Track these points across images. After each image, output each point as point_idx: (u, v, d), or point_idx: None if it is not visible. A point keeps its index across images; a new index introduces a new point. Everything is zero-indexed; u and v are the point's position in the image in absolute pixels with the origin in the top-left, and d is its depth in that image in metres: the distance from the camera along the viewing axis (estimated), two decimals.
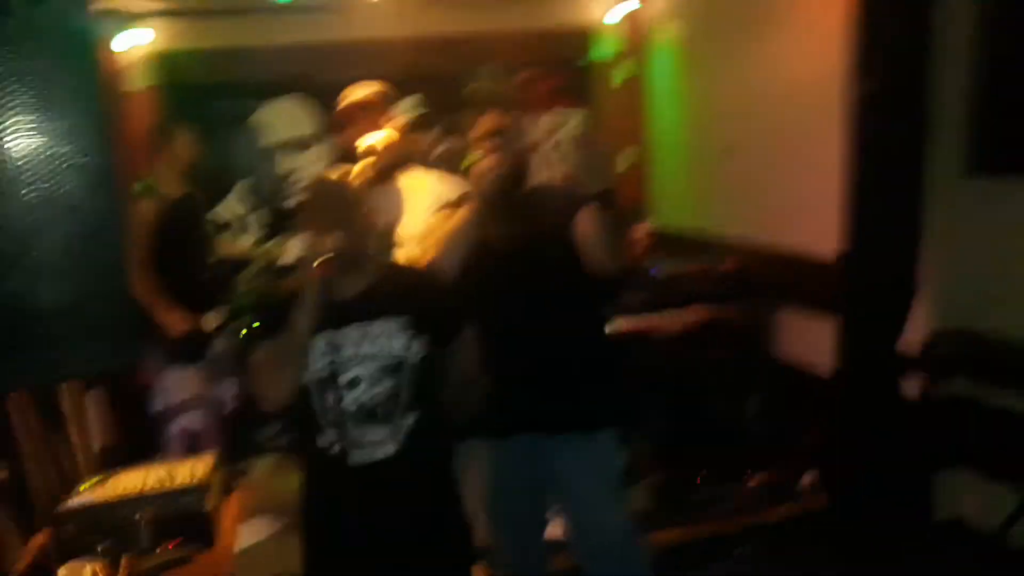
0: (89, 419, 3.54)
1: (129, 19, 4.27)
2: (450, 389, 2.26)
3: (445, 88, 5.01)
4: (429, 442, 2.12)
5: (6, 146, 1.05)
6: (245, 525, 3.48)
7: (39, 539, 2.40)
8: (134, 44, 4.37)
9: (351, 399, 2.00)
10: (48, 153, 1.07)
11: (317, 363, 1.98)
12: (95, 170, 1.09)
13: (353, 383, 2.01)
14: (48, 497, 2.53)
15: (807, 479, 3.40)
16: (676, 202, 5.08)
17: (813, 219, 3.53)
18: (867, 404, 3.18)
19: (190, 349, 3.77)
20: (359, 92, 2.89)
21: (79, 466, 2.91)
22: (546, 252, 2.34)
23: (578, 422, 2.41)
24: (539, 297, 2.36)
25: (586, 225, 2.22)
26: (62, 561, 2.23)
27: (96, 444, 3.69)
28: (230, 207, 4.73)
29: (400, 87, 4.73)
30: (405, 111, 3.63)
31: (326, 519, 2.16)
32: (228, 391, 4.05)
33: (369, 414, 2.01)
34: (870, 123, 3.02)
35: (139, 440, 3.93)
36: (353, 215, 2.00)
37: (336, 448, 2.00)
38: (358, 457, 2.03)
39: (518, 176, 2.40)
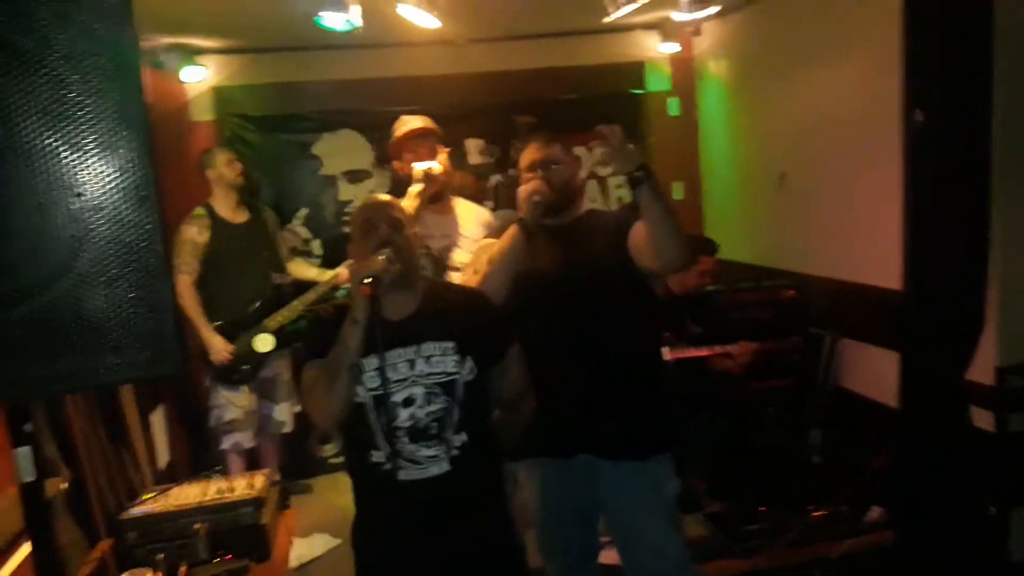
0: (154, 433, 3.63)
1: (194, 54, 4.44)
2: (500, 408, 2.25)
3: (500, 122, 5.14)
4: (480, 461, 2.11)
5: (54, 160, 1.10)
6: (304, 540, 3.51)
7: (102, 546, 2.44)
8: (199, 78, 4.53)
9: (404, 417, 2.01)
10: (94, 168, 1.12)
11: (370, 383, 2.00)
12: (138, 184, 1.13)
13: (407, 402, 2.01)
14: (112, 506, 2.58)
15: (873, 513, 3.28)
16: (729, 234, 5.04)
17: (872, 249, 3.46)
18: (936, 438, 3.06)
19: (240, 370, 3.84)
20: (413, 122, 2.95)
21: (143, 478, 2.96)
22: (602, 273, 2.32)
23: (634, 446, 2.36)
24: (596, 319, 2.33)
25: (639, 232, 2.20)
26: (122, 568, 2.27)
27: (163, 458, 3.77)
28: (294, 232, 4.84)
29: (457, 122, 4.89)
30: (472, 155, 3.67)
31: (377, 535, 2.15)
32: (285, 411, 4.09)
33: (422, 432, 2.01)
34: (929, 152, 2.94)
35: (205, 457, 4.02)
36: (400, 235, 2.02)
37: (388, 465, 1.99)
38: (410, 474, 2.02)
39: (565, 202, 2.39)
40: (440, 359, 2.02)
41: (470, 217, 2.99)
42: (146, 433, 3.26)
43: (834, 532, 3.24)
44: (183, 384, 4.18)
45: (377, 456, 2.03)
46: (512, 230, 2.30)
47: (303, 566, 3.37)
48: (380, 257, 1.93)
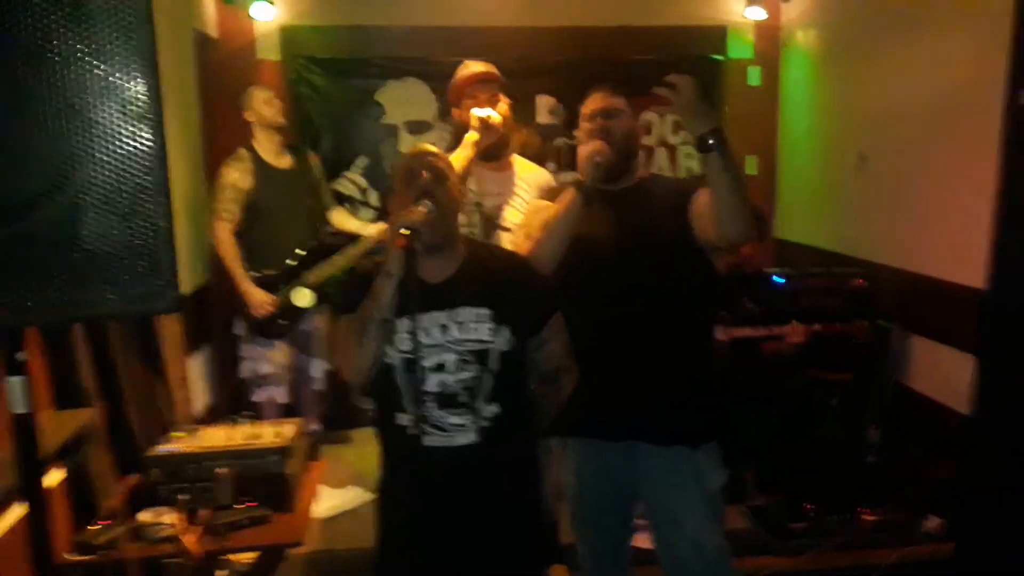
0: (192, 377, 3.64)
1: None
2: (538, 381, 2.14)
3: (571, 80, 4.95)
4: (511, 434, 2.00)
5: (52, 70, 1.04)
6: (337, 491, 3.49)
7: (131, 481, 2.43)
8: (268, 15, 4.45)
9: (433, 383, 1.92)
10: (94, 83, 1.06)
11: (402, 344, 1.90)
12: (138, 103, 1.07)
13: (437, 368, 1.92)
14: (145, 442, 2.58)
15: (931, 522, 3.09)
16: (803, 216, 4.80)
17: (955, 243, 3.22)
18: (1008, 448, 2.86)
19: (277, 324, 3.76)
20: (475, 66, 2.80)
21: (179, 417, 2.96)
22: (661, 244, 2.17)
23: (683, 432, 2.22)
24: (653, 292, 2.18)
25: (703, 199, 2.06)
26: (145, 505, 2.25)
27: (200, 401, 3.78)
28: (351, 180, 4.77)
29: (527, 77, 4.73)
30: (541, 113, 3.49)
31: (399, 499, 2.08)
32: (318, 367, 4.03)
33: (450, 399, 1.92)
34: None
35: (238, 406, 4.01)
36: (442, 187, 1.90)
37: (414, 428, 1.91)
38: (435, 440, 1.94)
39: (626, 162, 2.24)
40: (475, 326, 1.92)
41: (528, 177, 2.84)
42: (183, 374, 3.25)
43: (886, 539, 3.06)
44: (229, 328, 4.17)
45: (403, 419, 1.96)
46: (570, 194, 2.15)
47: (333, 518, 3.34)
48: (420, 208, 1.83)
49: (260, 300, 3.68)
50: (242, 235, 3.72)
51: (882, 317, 3.62)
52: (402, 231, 1.76)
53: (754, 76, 5.06)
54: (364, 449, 2.07)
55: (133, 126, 1.04)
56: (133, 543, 2.13)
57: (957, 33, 3.25)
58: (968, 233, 3.08)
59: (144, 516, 2.21)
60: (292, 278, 3.77)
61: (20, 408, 1.15)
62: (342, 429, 4.25)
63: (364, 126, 4.77)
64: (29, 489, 1.25)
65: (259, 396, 3.82)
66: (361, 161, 4.80)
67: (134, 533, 2.17)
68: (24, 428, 1.20)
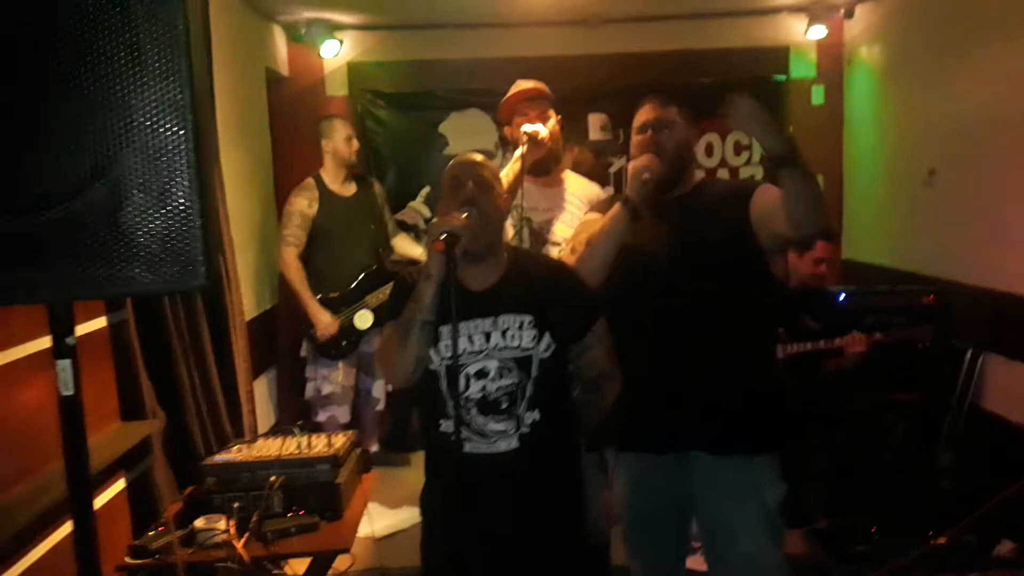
0: (259, 397, 3.76)
1: (334, 28, 4.56)
2: (581, 388, 2.15)
3: (628, 104, 4.97)
4: (552, 440, 2.01)
5: (102, 64, 1.14)
6: (392, 511, 3.54)
7: (190, 490, 2.53)
8: (336, 52, 4.65)
9: (475, 389, 1.95)
10: (139, 77, 1.15)
11: (445, 352, 1.94)
12: (179, 97, 1.16)
13: (480, 374, 1.95)
14: (205, 453, 2.69)
15: (1004, 547, 2.93)
16: (871, 234, 4.66)
17: None
18: None
19: (340, 346, 3.86)
20: (524, 83, 2.86)
21: (240, 430, 3.07)
22: (718, 253, 2.09)
23: (738, 440, 2.13)
24: (703, 301, 2.12)
25: (766, 194, 2.01)
26: (202, 513, 2.34)
27: (267, 421, 3.91)
28: (415, 210, 4.90)
29: (586, 104, 4.79)
30: (593, 130, 3.54)
31: (441, 505, 2.11)
32: (380, 388, 4.12)
33: (492, 405, 1.95)
34: None
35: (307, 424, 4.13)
36: (486, 196, 1.94)
37: (455, 436, 1.93)
38: (477, 447, 1.96)
39: (677, 173, 2.19)
40: (517, 333, 1.95)
41: (580, 192, 2.86)
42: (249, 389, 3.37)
43: (956, 563, 2.90)
44: (296, 348, 4.31)
45: (446, 425, 1.99)
46: (616, 209, 2.13)
47: (387, 537, 3.39)
48: (463, 215, 1.87)
49: (326, 322, 3.79)
50: (307, 260, 3.86)
51: (955, 335, 3.48)
52: (440, 236, 1.81)
53: (818, 95, 4.99)
54: (422, 472, 2.11)
55: (169, 118, 1.13)
56: (186, 548, 2.22)
57: (1017, 44, 3.15)
58: None
59: (199, 523, 2.29)
60: (354, 301, 3.89)
61: (68, 390, 1.23)
62: (402, 451, 4.31)
63: (428, 157, 4.90)
64: (74, 475, 1.32)
65: (322, 416, 3.91)
66: (425, 190, 4.93)
67: (188, 539, 2.26)
68: (72, 410, 1.28)
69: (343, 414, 3.94)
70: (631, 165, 2.18)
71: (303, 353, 3.96)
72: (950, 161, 3.73)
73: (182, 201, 1.11)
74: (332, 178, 3.97)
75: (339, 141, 3.95)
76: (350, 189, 4.03)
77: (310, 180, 3.93)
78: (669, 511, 2.27)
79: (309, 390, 3.95)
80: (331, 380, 3.87)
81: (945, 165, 3.77)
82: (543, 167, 2.78)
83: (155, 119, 1.14)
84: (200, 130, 1.12)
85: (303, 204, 3.85)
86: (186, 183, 1.11)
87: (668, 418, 2.15)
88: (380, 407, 4.16)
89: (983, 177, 3.47)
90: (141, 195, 1.11)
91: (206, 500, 2.38)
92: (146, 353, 2.53)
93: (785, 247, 2.16)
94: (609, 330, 2.06)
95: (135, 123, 1.11)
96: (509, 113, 2.85)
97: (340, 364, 3.88)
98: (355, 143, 4.02)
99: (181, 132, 1.11)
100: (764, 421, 2.17)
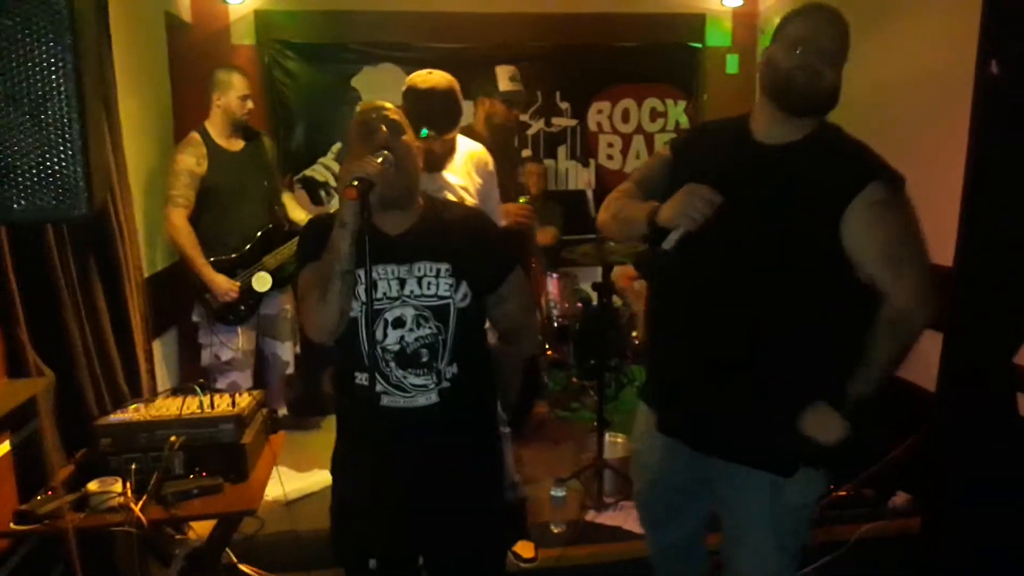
0: (158, 358, 3.59)
1: None
2: (498, 340, 2.11)
3: (545, 64, 4.94)
4: (471, 396, 1.97)
5: None
6: (303, 475, 3.46)
7: (83, 452, 2.39)
8: (242, 0, 4.42)
9: (392, 339, 1.88)
10: None
11: (363, 296, 1.86)
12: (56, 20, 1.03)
13: (396, 323, 1.88)
14: (99, 414, 2.53)
15: (899, 498, 3.07)
16: None
17: (929, 224, 3.18)
18: (975, 424, 2.83)
19: (237, 310, 3.66)
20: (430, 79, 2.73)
21: (139, 389, 2.91)
22: (780, 239, 1.78)
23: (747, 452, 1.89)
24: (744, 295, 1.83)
25: (865, 228, 1.75)
26: (96, 476, 2.21)
27: (167, 384, 3.73)
28: (326, 166, 4.74)
29: (502, 63, 4.70)
30: (502, 81, 3.48)
31: (356, 463, 2.05)
32: (288, 350, 3.98)
33: (410, 358, 1.88)
34: (997, 117, 2.68)
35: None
36: (399, 141, 1.85)
37: (372, 385, 1.86)
38: (395, 401, 1.90)
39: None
40: (433, 280, 1.88)
41: (468, 162, 2.83)
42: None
43: (854, 515, 3.04)
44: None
45: (362, 378, 1.92)
46: (644, 218, 1.83)
47: (297, 500, 3.31)
48: (377, 159, 1.79)
49: (225, 287, 3.57)
50: (195, 220, 3.58)
51: None
52: (353, 182, 1.73)
53: (732, 64, 5.06)
54: (332, 436, 2.04)
55: (43, 33, 1.00)
56: (77, 513, 2.09)
57: (931, 9, 3.24)
58: (943, 213, 3.04)
59: (92, 486, 2.16)
60: (252, 263, 3.67)
61: None
62: (312, 415, 4.20)
63: (340, 111, 4.74)
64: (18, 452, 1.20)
65: (222, 383, 3.70)
66: (336, 147, 4.78)
67: (80, 503, 2.13)
68: None
69: (245, 380, 3.74)
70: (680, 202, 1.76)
71: (195, 318, 3.73)
72: (860, 131, 3.80)
73: (58, 114, 0.99)
74: (219, 132, 3.67)
75: (233, 98, 3.64)
76: (238, 144, 3.73)
77: (195, 135, 3.63)
78: (687, 478, 2.06)
79: (206, 357, 3.72)
80: (230, 346, 3.67)
81: (855, 134, 3.86)
82: (432, 165, 2.71)
83: (26, 34, 1.01)
84: (80, 41, 0.99)
85: (191, 162, 3.55)
86: (63, 95, 0.99)
87: (674, 401, 2.00)
88: (289, 370, 4.02)
89: (893, 147, 3.54)
90: (11, 108, 0.98)
91: (101, 462, 2.24)
92: (28, 305, 2.35)
93: None
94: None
95: (2, 27, 0.99)
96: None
97: (239, 329, 3.68)
98: (249, 104, 3.70)
99: (58, 40, 0.98)
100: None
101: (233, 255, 3.64)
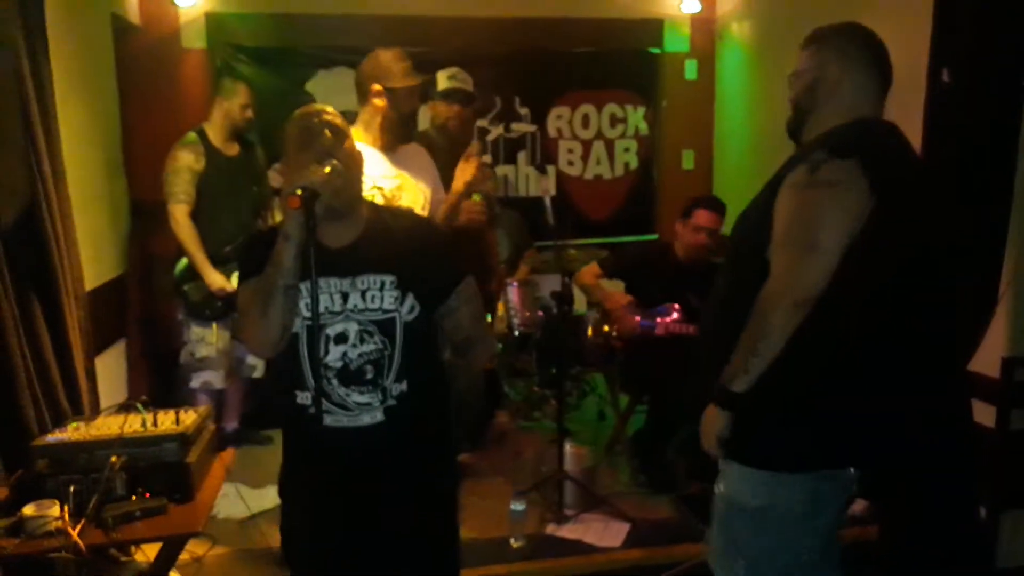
0: (109, 369, 3.48)
1: None
2: (450, 352, 2.06)
3: (504, 69, 4.90)
4: (421, 414, 1.91)
5: None
6: (256, 491, 3.37)
7: (18, 474, 2.28)
8: (192, 2, 4.33)
9: (335, 356, 1.81)
10: None
11: (305, 311, 1.79)
12: None
13: (339, 339, 1.81)
14: (38, 434, 2.42)
15: (856, 506, 3.07)
16: (740, 208, 4.78)
17: None
18: (931, 431, 2.84)
19: (214, 306, 3.70)
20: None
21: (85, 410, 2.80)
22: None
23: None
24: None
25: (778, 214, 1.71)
26: (32, 499, 2.11)
27: (120, 395, 3.62)
28: (280, 173, 4.64)
29: (468, 69, 4.65)
30: (440, 81, 3.46)
31: (301, 486, 1.98)
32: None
33: (354, 375, 1.81)
34: (949, 121, 2.71)
35: (170, 395, 3.88)
36: (342, 147, 1.78)
37: (313, 408, 1.79)
38: (338, 420, 1.84)
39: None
40: (377, 293, 1.82)
41: (418, 162, 2.77)
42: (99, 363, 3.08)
43: None
44: (149, 318, 4.02)
45: (303, 397, 1.85)
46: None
47: (251, 518, 3.21)
48: (325, 168, 1.72)
49: (220, 282, 3.63)
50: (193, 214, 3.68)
51: None
52: (296, 191, 1.66)
53: (691, 70, 5.08)
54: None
55: None
56: (12, 539, 1.99)
57: (884, 18, 3.24)
58: None
59: (28, 509, 2.06)
60: (229, 262, 3.68)
61: None
62: (264, 429, 4.10)
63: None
64: None
65: (195, 382, 3.77)
66: None
67: (15, 528, 2.03)
68: None
69: (218, 379, 3.78)
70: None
71: (180, 316, 3.79)
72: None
73: None
74: (216, 135, 3.78)
75: (235, 106, 3.78)
76: (234, 149, 3.86)
77: (193, 135, 3.72)
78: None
79: (183, 355, 3.81)
80: (206, 342, 3.72)
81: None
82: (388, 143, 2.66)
83: None
84: None
85: (190, 159, 3.66)
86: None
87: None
88: (257, 374, 4.00)
89: None
90: None
91: (37, 484, 2.14)
92: None
93: None
94: None
95: None
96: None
97: (213, 325, 3.72)
98: (249, 112, 3.84)
99: None
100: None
101: (215, 253, 3.68)
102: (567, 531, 3.11)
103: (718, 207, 3.66)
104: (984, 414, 2.79)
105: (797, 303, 1.62)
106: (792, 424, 1.75)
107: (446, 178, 2.83)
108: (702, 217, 3.61)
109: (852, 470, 1.84)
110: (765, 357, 1.65)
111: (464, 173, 2.70)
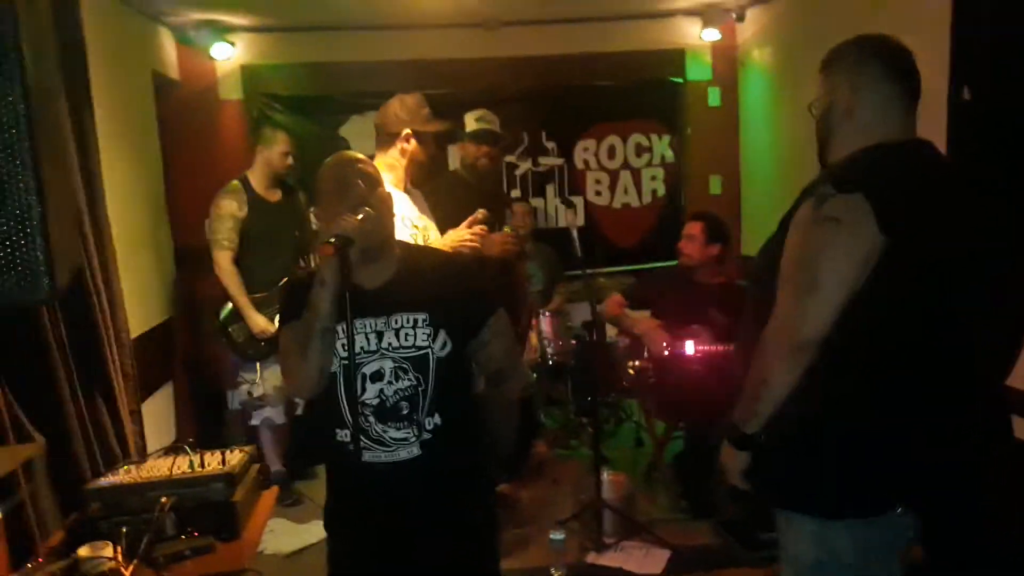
0: (157, 412, 3.59)
1: (224, 31, 4.42)
2: (484, 383, 2.11)
3: (530, 106, 5.00)
4: (456, 447, 1.96)
5: None
6: (302, 527, 3.44)
7: (72, 518, 2.37)
8: (228, 55, 4.51)
9: (371, 393, 1.87)
10: None
11: (341, 352, 1.86)
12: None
13: (375, 376, 1.88)
14: (91, 477, 2.52)
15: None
16: (767, 232, 4.79)
17: None
18: (971, 450, 2.81)
19: (257, 348, 3.81)
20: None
21: (134, 452, 2.90)
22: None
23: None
24: None
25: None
26: (86, 541, 2.19)
27: (168, 436, 3.74)
28: (317, 217, 4.78)
29: (494, 107, 4.76)
30: (468, 123, 3.56)
31: (345, 521, 2.03)
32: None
33: (390, 411, 1.87)
34: (970, 135, 2.72)
35: (224, 434, 3.99)
36: (375, 194, 1.86)
37: (352, 445, 1.85)
38: (377, 456, 1.89)
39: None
40: (411, 331, 1.88)
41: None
42: (146, 408, 3.20)
43: None
44: (195, 361, 4.13)
45: (342, 435, 1.91)
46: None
47: (297, 553, 3.28)
48: (358, 216, 1.80)
49: (263, 324, 3.76)
50: (236, 259, 3.82)
51: None
52: (330, 239, 1.74)
53: (714, 96, 5.12)
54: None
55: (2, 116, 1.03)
56: None
57: (902, 37, 3.27)
58: None
59: (83, 551, 2.14)
60: (273, 304, 3.81)
61: None
62: (308, 466, 4.18)
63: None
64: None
65: (256, 419, 3.89)
66: None
67: (71, 569, 2.11)
68: None
69: (278, 415, 3.92)
70: None
71: (233, 358, 3.93)
72: None
73: (20, 203, 1.01)
74: (259, 182, 3.92)
75: (276, 154, 3.92)
76: (276, 195, 3.99)
77: (236, 183, 3.87)
78: None
79: (240, 394, 3.93)
80: (264, 381, 3.85)
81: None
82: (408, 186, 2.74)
83: None
84: (38, 129, 1.02)
85: (233, 207, 3.80)
86: (21, 184, 1.01)
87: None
88: (299, 412, 4.09)
89: None
90: None
91: (90, 527, 2.22)
92: (15, 373, 2.36)
93: None
94: None
95: None
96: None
97: (258, 365, 3.84)
98: (289, 160, 3.97)
99: (13, 130, 1.01)
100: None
101: (257, 295, 3.81)
102: (608, 559, 3.12)
103: (705, 217, 3.78)
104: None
105: (795, 347, 1.56)
106: (827, 465, 1.64)
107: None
108: (688, 226, 3.76)
109: (901, 511, 1.75)
110: (768, 402, 1.61)
111: (458, 234, 2.76)
